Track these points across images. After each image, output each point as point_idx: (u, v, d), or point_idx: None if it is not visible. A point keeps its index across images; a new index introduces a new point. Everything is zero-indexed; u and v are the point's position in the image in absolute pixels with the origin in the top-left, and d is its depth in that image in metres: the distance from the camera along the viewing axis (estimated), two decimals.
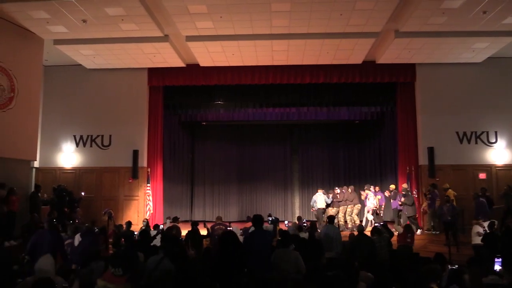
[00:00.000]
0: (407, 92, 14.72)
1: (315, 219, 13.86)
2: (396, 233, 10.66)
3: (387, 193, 14.15)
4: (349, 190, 14.35)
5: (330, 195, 14.28)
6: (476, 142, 14.12)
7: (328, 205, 14.14)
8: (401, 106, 14.81)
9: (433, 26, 11.14)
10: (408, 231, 9.45)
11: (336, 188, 14.76)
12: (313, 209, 14.37)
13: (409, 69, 14.31)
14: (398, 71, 14.29)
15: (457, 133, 14.14)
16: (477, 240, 9.37)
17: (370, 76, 14.35)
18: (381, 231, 8.94)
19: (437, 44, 12.36)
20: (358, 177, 17.57)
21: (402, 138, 14.71)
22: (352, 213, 14.02)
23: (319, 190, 14.54)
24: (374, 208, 13.96)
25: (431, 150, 14.00)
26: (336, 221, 13.22)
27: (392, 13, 10.40)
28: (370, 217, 13.87)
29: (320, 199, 14.20)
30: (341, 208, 14.16)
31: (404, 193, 13.07)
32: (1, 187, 11.24)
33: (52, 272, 4.28)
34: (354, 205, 14.07)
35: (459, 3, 9.76)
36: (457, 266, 5.91)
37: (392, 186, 14.25)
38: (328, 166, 18.17)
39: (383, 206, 14.34)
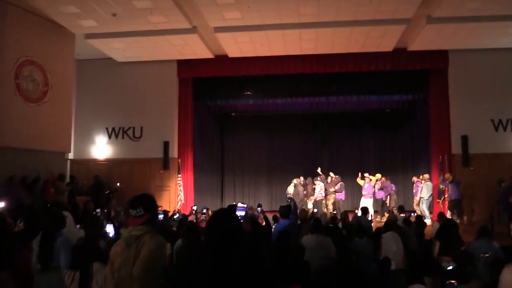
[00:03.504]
0: (440, 79, 14.32)
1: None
2: (429, 224, 10.51)
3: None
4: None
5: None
6: None
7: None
8: (433, 94, 14.43)
9: (467, 11, 10.73)
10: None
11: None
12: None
13: (442, 55, 13.91)
14: (430, 58, 13.91)
15: (492, 120, 13.69)
16: None
17: (401, 64, 14.04)
18: (410, 221, 8.82)
19: (471, 29, 11.95)
20: (389, 167, 17.31)
21: (434, 127, 14.35)
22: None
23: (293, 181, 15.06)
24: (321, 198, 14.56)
25: (464, 139, 13.63)
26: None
27: None
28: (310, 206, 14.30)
29: (291, 189, 14.83)
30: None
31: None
32: (60, 179, 11.63)
33: None
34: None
35: None
36: None
37: (378, 175, 14.53)
38: (359, 156, 17.99)
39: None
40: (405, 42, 13.32)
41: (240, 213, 8.92)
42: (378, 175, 14.50)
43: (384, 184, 14.30)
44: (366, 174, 14.50)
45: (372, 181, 14.29)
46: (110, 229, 8.44)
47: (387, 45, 13.10)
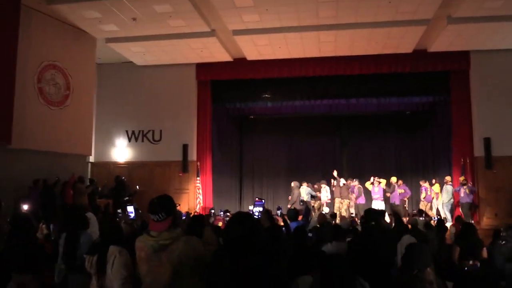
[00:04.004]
0: (461, 80, 14.09)
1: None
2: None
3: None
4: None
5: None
6: None
7: (312, 197, 14.50)
8: (455, 96, 14.21)
9: (488, 10, 10.58)
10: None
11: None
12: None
13: (463, 56, 13.69)
14: (451, 59, 13.71)
15: None
16: None
17: (421, 65, 13.87)
18: (430, 225, 8.70)
19: (493, 30, 11.75)
20: (409, 169, 17.12)
21: (456, 129, 14.13)
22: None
23: (303, 184, 14.75)
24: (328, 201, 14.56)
25: (487, 141, 13.38)
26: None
27: None
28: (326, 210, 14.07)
29: (302, 192, 14.40)
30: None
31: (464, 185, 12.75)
32: (80, 181, 11.79)
33: None
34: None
35: None
36: None
37: (394, 179, 14.25)
38: (379, 159, 17.80)
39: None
40: (425, 43, 13.15)
41: (257, 208, 8.95)
42: (394, 178, 14.27)
43: (402, 187, 14.09)
44: (376, 178, 14.33)
45: (382, 184, 14.11)
46: (130, 209, 8.61)
47: (407, 47, 12.97)
